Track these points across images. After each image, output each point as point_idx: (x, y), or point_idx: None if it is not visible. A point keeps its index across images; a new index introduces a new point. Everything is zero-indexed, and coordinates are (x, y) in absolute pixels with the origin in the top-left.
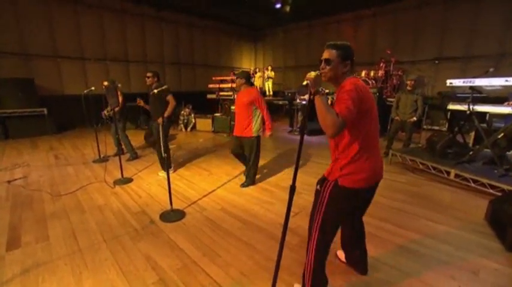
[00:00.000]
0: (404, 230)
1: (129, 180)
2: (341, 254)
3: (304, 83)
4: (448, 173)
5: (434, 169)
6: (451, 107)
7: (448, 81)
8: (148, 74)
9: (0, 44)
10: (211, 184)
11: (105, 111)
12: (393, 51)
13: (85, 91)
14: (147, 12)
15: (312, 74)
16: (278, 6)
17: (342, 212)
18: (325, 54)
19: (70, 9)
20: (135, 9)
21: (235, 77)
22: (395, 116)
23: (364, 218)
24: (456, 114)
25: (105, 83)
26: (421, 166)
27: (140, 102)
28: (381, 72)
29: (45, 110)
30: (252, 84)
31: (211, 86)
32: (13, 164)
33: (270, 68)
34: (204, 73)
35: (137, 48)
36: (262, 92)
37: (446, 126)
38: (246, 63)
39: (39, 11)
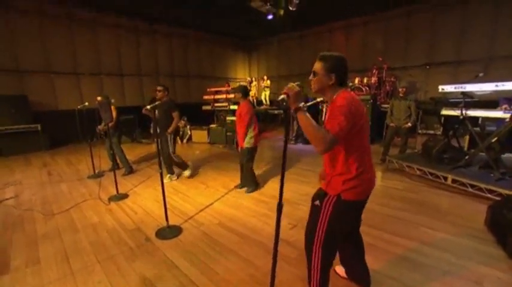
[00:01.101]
0: (403, 239)
1: (125, 196)
2: (340, 270)
3: (281, 97)
4: (446, 178)
5: (431, 174)
6: (444, 112)
7: (440, 87)
8: (159, 88)
9: None
10: (208, 198)
11: (100, 127)
12: (385, 57)
13: (79, 106)
14: (141, 26)
15: (293, 87)
16: (270, 17)
17: (346, 226)
18: (314, 65)
19: (64, 25)
20: (129, 23)
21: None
22: (390, 123)
23: (362, 229)
24: (450, 118)
25: (99, 98)
26: (418, 172)
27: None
28: (374, 79)
29: (39, 126)
30: (247, 96)
31: (206, 97)
32: (4, 183)
33: (265, 77)
34: (198, 84)
35: (131, 61)
36: (258, 102)
37: (441, 130)
38: (241, 73)
39: (33, 28)
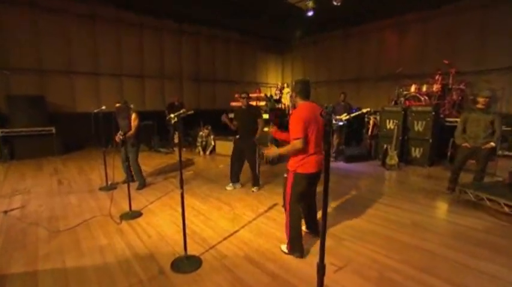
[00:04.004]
0: None
1: (138, 214)
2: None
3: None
4: None
5: None
6: None
7: None
8: (244, 95)
9: (17, 59)
10: (233, 223)
11: (119, 135)
12: (452, 60)
13: (95, 110)
14: (167, 25)
15: (268, 154)
16: (310, 14)
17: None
18: None
19: (88, 25)
20: (153, 22)
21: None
22: (463, 142)
23: (410, 271)
24: None
25: (117, 105)
26: (506, 209)
27: (226, 117)
28: (436, 87)
29: (54, 129)
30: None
31: (233, 104)
32: (13, 190)
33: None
34: (225, 89)
35: (154, 63)
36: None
37: None
38: (273, 78)
39: (57, 27)
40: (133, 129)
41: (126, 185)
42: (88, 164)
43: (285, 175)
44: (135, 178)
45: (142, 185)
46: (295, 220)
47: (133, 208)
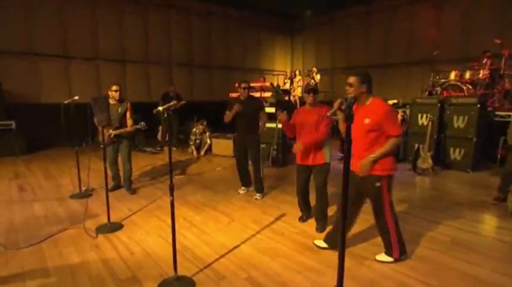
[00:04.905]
0: None
1: (118, 226)
2: None
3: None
4: None
5: None
6: None
7: None
8: (243, 85)
9: None
10: (232, 237)
11: (111, 131)
12: (506, 40)
13: (65, 101)
14: None
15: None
16: None
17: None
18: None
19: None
20: None
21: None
22: None
23: None
24: None
25: (114, 88)
26: None
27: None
28: (483, 73)
29: (13, 124)
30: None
31: (233, 95)
32: None
33: (315, 70)
34: (224, 77)
35: (137, 44)
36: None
37: None
38: (280, 65)
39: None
40: (131, 122)
41: (104, 191)
42: (57, 166)
43: (378, 184)
44: (125, 180)
45: (116, 186)
46: (398, 225)
47: (113, 219)
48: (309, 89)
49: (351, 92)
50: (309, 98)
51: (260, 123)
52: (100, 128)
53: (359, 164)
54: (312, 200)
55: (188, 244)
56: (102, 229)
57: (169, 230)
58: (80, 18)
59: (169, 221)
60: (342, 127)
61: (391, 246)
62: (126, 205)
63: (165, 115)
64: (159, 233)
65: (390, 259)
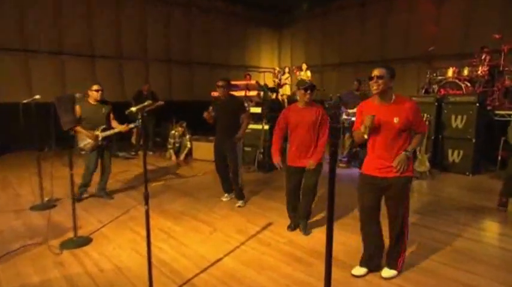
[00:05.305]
0: None
1: (86, 240)
2: None
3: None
4: None
5: None
6: None
7: None
8: (221, 83)
9: None
10: (214, 248)
11: (98, 132)
12: (506, 35)
13: (25, 100)
14: None
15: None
16: None
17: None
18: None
19: None
20: None
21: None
22: None
23: None
24: None
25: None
26: None
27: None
28: (482, 69)
29: None
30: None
31: (215, 94)
32: None
33: (304, 67)
34: (205, 75)
35: (108, 37)
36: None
37: None
38: (267, 61)
39: None
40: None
41: (70, 202)
42: (15, 174)
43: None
44: (103, 186)
45: (82, 193)
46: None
47: (80, 232)
48: (306, 86)
49: (379, 86)
50: (306, 96)
51: (242, 126)
52: (92, 133)
53: (394, 163)
54: None
55: (165, 257)
56: (67, 244)
57: (144, 243)
58: (41, 8)
59: (144, 233)
60: (359, 138)
61: (399, 257)
62: (95, 216)
63: (140, 116)
64: (132, 246)
65: (395, 273)
